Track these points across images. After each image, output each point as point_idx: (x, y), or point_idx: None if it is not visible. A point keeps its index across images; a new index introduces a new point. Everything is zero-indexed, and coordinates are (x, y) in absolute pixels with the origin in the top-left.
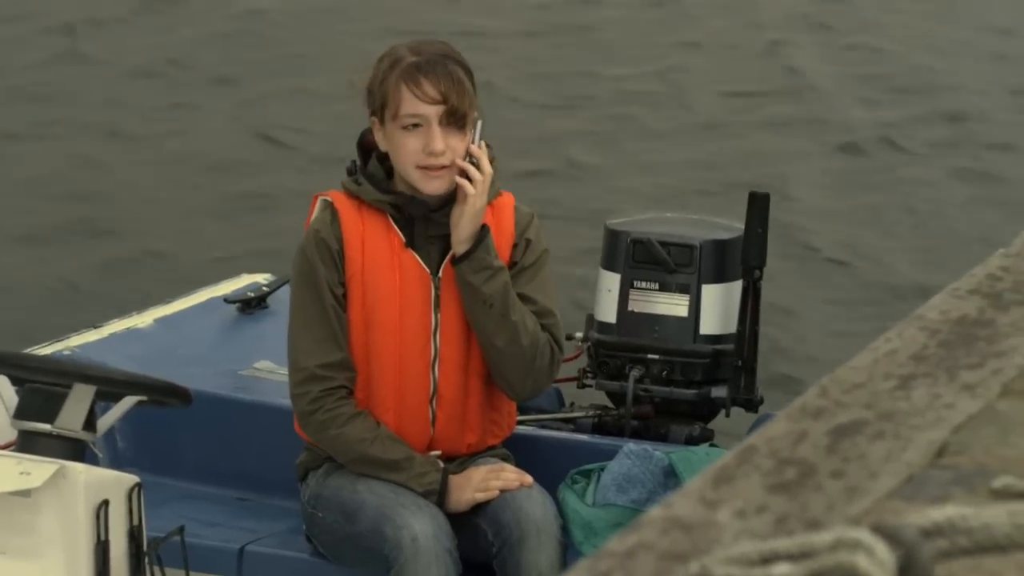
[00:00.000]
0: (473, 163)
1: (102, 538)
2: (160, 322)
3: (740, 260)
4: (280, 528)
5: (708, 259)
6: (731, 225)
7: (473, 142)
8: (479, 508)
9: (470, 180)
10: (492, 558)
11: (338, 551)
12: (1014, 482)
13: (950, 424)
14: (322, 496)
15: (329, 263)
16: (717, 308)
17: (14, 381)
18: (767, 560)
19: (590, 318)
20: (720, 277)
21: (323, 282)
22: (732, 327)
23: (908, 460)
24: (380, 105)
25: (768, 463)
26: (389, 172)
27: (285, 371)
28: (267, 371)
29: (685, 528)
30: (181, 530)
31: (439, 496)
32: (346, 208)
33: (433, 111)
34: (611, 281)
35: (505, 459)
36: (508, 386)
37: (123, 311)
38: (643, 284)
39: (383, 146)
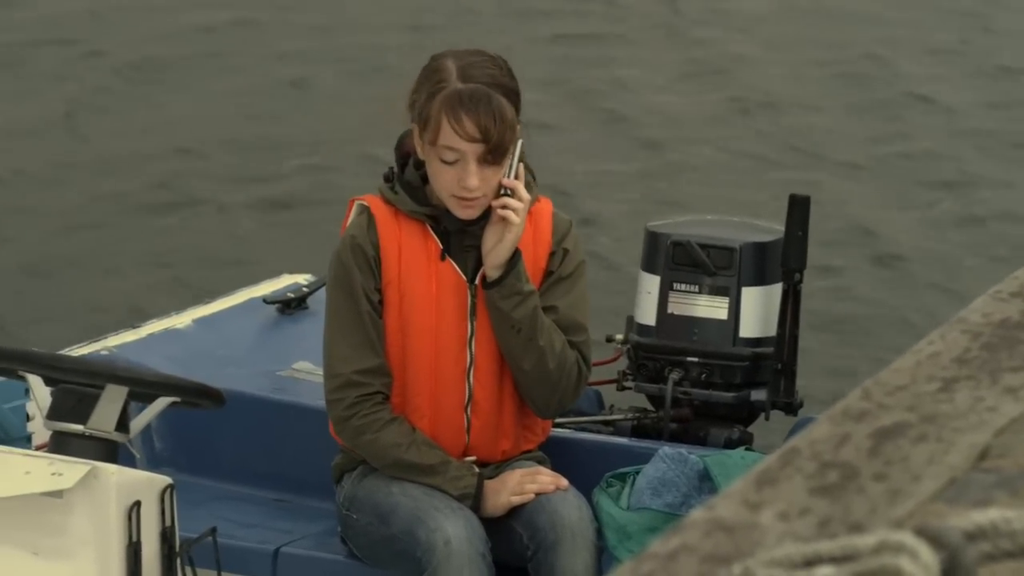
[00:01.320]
0: (507, 194)
1: (134, 539)
2: (199, 322)
3: (780, 263)
4: (316, 530)
5: (748, 262)
6: (771, 227)
7: (512, 165)
8: (514, 511)
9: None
10: (527, 561)
11: (373, 553)
12: None
13: (993, 427)
14: (357, 498)
15: (365, 268)
16: (757, 311)
17: (47, 382)
18: (810, 563)
19: (630, 320)
20: (760, 280)
21: (359, 287)
22: (772, 330)
23: (951, 463)
24: (421, 122)
25: (811, 465)
26: (425, 178)
27: (323, 373)
28: (306, 372)
29: (728, 530)
30: (213, 531)
31: (474, 500)
32: (383, 214)
33: (471, 148)
34: (651, 283)
35: (541, 462)
36: (533, 405)
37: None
38: (683, 286)
39: (421, 156)
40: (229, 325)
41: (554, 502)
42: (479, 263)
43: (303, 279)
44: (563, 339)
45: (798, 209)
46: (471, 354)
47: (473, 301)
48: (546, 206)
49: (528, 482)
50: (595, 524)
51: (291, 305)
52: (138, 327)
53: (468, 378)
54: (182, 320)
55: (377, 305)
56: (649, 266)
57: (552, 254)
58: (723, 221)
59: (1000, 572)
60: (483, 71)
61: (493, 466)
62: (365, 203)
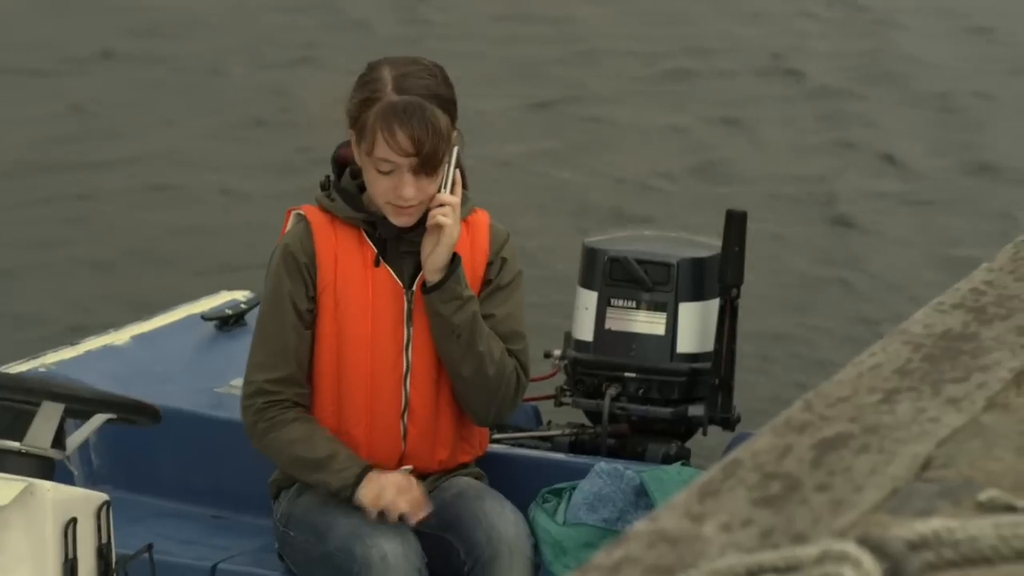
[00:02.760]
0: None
1: (70, 556)
2: (137, 339)
3: (718, 278)
4: (253, 546)
5: (685, 277)
6: (708, 243)
7: (448, 172)
8: (450, 526)
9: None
10: None
11: (309, 570)
12: (999, 495)
13: (935, 438)
14: (293, 515)
15: (296, 277)
16: (694, 326)
17: None
18: (753, 573)
19: (567, 336)
20: (697, 295)
21: (286, 297)
22: (709, 346)
23: (893, 474)
24: (357, 130)
25: (753, 477)
26: (362, 187)
27: None
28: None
29: (671, 542)
30: (150, 548)
31: (351, 491)
32: (319, 222)
33: (405, 161)
34: (588, 299)
35: (478, 478)
36: (472, 413)
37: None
38: (620, 302)
39: (359, 163)
40: (167, 342)
41: (491, 517)
42: (416, 269)
43: (241, 295)
44: (502, 346)
45: (735, 225)
46: (407, 361)
47: (410, 307)
48: (483, 217)
49: (400, 496)
50: (532, 539)
51: (229, 322)
52: (76, 344)
53: (405, 385)
54: (120, 337)
55: (305, 314)
56: (587, 282)
57: (490, 264)
58: (660, 237)
59: None
60: (418, 82)
61: (432, 478)
62: (302, 212)
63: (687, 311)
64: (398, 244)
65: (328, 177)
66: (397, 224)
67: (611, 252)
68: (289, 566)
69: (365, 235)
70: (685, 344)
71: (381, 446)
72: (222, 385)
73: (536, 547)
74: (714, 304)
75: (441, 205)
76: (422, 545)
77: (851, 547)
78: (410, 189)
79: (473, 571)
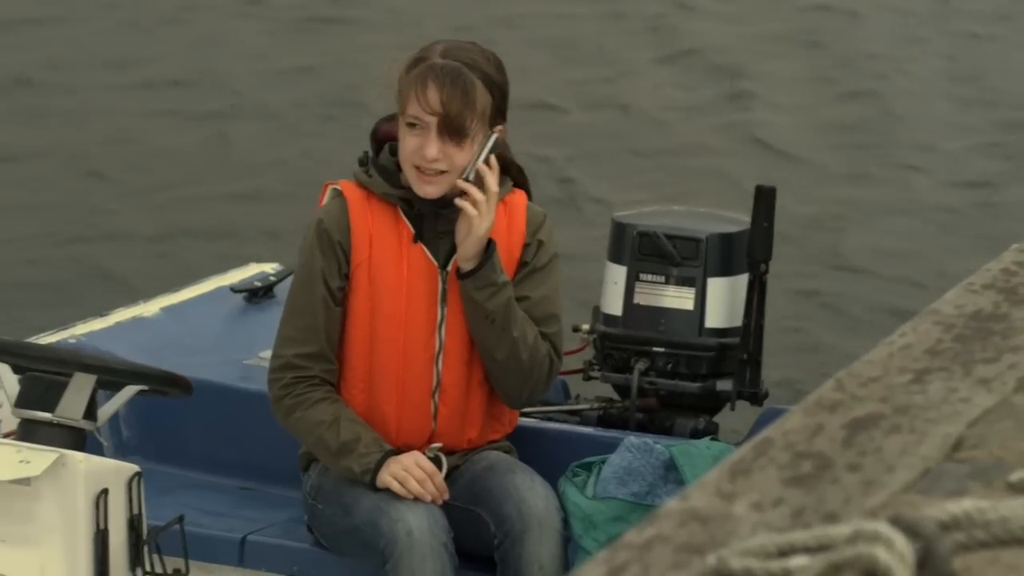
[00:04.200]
0: (469, 180)
1: (101, 527)
2: (166, 311)
3: (746, 254)
4: (282, 518)
5: (714, 252)
6: (737, 218)
7: (482, 156)
8: (480, 499)
9: (471, 200)
10: (494, 550)
11: (337, 543)
12: None
13: (966, 418)
14: (322, 488)
15: (329, 253)
16: (722, 301)
17: (15, 369)
18: (784, 553)
19: (596, 310)
20: (726, 271)
21: (318, 272)
22: (737, 321)
23: (924, 454)
24: (398, 94)
25: (785, 456)
26: (400, 164)
27: None
28: None
29: (702, 520)
30: (181, 519)
31: (372, 475)
32: (356, 198)
33: (432, 120)
34: (617, 274)
35: (507, 452)
36: (504, 394)
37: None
38: (649, 277)
39: (400, 133)
40: (196, 314)
41: (521, 491)
42: (452, 249)
43: (270, 268)
44: (536, 330)
45: (764, 200)
46: (440, 340)
47: (444, 287)
48: (520, 199)
49: (412, 479)
50: (561, 513)
51: (258, 294)
52: (106, 315)
53: (437, 364)
54: (150, 308)
55: (336, 291)
56: (615, 256)
57: (526, 246)
58: (689, 212)
59: (974, 562)
60: (467, 54)
61: (459, 454)
62: (338, 187)
63: (715, 286)
64: (435, 222)
65: (366, 153)
66: (421, 194)
67: (640, 227)
68: (318, 538)
69: (402, 213)
70: (713, 319)
71: (411, 424)
72: (251, 357)
73: (566, 521)
74: (742, 279)
75: (464, 193)
76: (451, 519)
77: (883, 527)
78: (433, 148)
79: (503, 545)
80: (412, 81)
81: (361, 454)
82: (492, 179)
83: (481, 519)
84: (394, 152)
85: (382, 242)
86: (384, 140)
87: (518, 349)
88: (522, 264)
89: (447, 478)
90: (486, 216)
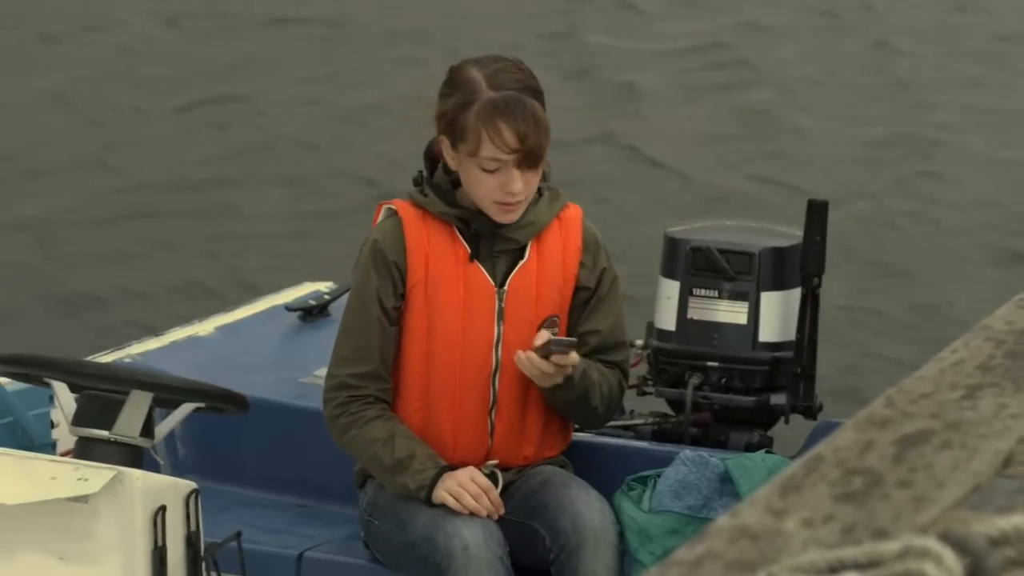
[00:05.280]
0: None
1: (159, 544)
2: (221, 330)
3: (799, 268)
4: (339, 535)
5: (767, 267)
6: (790, 232)
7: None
8: (536, 513)
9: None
10: (549, 564)
11: (394, 559)
12: None
13: (1017, 434)
14: (378, 504)
15: (384, 273)
16: (776, 315)
17: (73, 388)
18: (835, 569)
19: (650, 326)
20: (779, 285)
21: (373, 292)
22: (791, 335)
23: (975, 470)
24: (455, 134)
25: (835, 472)
26: (455, 182)
27: None
28: None
29: (752, 537)
30: (238, 536)
31: (427, 491)
32: (411, 218)
33: (511, 157)
34: (671, 289)
35: (563, 467)
36: (574, 422)
37: (186, 319)
38: (702, 292)
39: (453, 166)
40: (251, 332)
41: (577, 505)
42: (509, 267)
43: (324, 287)
44: (610, 380)
45: (816, 214)
46: (497, 358)
47: (501, 305)
48: (575, 213)
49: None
50: (617, 527)
51: (312, 312)
52: (161, 334)
53: (493, 382)
54: (204, 328)
55: (391, 311)
56: (669, 271)
57: (582, 265)
58: (742, 226)
59: None
60: (510, 76)
61: (515, 470)
62: (393, 207)
63: (769, 300)
64: (491, 241)
65: (420, 172)
66: (502, 221)
67: (693, 242)
68: (375, 554)
69: (458, 232)
70: (767, 333)
71: (468, 442)
72: (306, 375)
73: (621, 534)
74: (796, 293)
75: (552, 346)
76: (506, 532)
77: (932, 543)
78: (518, 184)
79: (559, 558)
80: (478, 124)
81: (416, 470)
82: (574, 355)
83: (537, 533)
84: (447, 171)
85: (439, 261)
86: (438, 159)
87: (597, 409)
88: (581, 289)
89: (502, 493)
90: (555, 378)
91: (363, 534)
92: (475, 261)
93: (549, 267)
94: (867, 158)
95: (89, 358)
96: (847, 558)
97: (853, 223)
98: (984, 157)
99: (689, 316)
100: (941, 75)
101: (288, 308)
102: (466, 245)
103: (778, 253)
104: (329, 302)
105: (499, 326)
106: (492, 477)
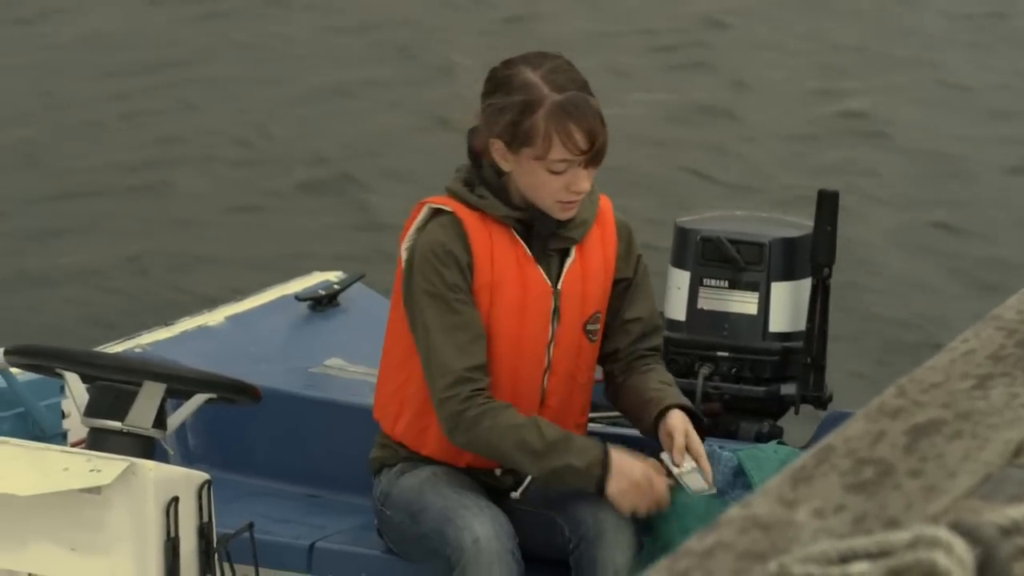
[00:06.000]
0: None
1: (172, 534)
2: (231, 320)
3: (809, 258)
4: (350, 525)
5: (777, 257)
6: (800, 223)
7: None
8: (554, 503)
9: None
10: (568, 554)
11: (406, 549)
12: None
13: None
14: (391, 495)
15: (456, 271)
16: (786, 306)
17: (85, 379)
18: (846, 559)
19: (660, 315)
20: (789, 275)
21: (460, 291)
22: (801, 325)
23: (986, 459)
24: (516, 142)
25: (846, 463)
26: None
27: (356, 368)
28: (338, 368)
29: (764, 527)
30: (251, 526)
31: (602, 470)
32: (471, 220)
33: (581, 158)
34: (681, 279)
35: None
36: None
37: (195, 309)
38: (713, 282)
39: (507, 168)
40: (261, 322)
41: (597, 497)
42: (559, 267)
43: (334, 276)
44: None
45: (827, 204)
46: (549, 357)
47: (556, 304)
48: (607, 204)
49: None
50: (634, 521)
51: (322, 302)
52: (171, 324)
53: (544, 380)
54: (214, 318)
55: (474, 305)
56: (679, 262)
57: (618, 256)
58: (752, 216)
59: None
60: (566, 76)
61: None
62: (448, 208)
63: (779, 291)
64: (548, 241)
65: (468, 170)
66: (564, 218)
67: (703, 232)
68: (389, 544)
69: (515, 233)
70: (777, 323)
71: None
72: (317, 365)
73: (638, 528)
74: (806, 284)
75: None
76: (524, 522)
77: (943, 532)
78: (586, 183)
79: (578, 548)
80: (549, 128)
81: (580, 448)
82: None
83: (555, 523)
84: (498, 171)
85: (502, 263)
86: (480, 155)
87: None
88: (619, 280)
89: (528, 487)
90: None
91: (377, 523)
92: (535, 262)
93: (592, 263)
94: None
95: (99, 348)
96: (858, 548)
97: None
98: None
99: (699, 306)
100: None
101: (298, 298)
102: (526, 247)
103: (788, 243)
104: (339, 291)
105: (554, 325)
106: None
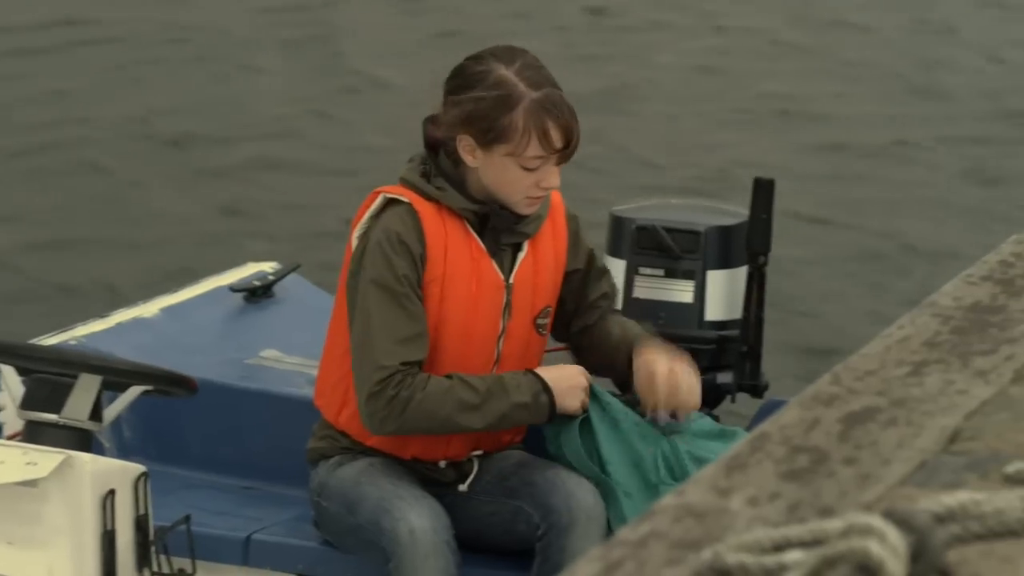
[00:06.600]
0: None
1: (109, 527)
2: (166, 311)
3: (745, 246)
4: (287, 516)
5: (713, 245)
6: (736, 211)
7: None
8: (520, 493)
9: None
10: (535, 541)
11: (343, 540)
12: None
13: (963, 410)
14: (328, 486)
15: (411, 266)
16: (722, 294)
17: (21, 371)
18: (779, 547)
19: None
20: (725, 263)
21: (404, 281)
22: (737, 313)
23: (921, 446)
24: (488, 138)
25: (781, 450)
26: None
27: (291, 360)
28: (273, 360)
29: (698, 516)
30: (187, 519)
31: (548, 394)
32: (427, 211)
33: (555, 155)
34: (616, 268)
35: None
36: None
37: (130, 301)
38: (648, 270)
39: (472, 163)
40: (196, 314)
41: (569, 485)
42: (511, 261)
43: (268, 267)
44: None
45: (762, 192)
46: (498, 352)
47: (508, 299)
48: (557, 197)
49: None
50: (606, 512)
51: (257, 293)
52: (106, 316)
53: (492, 372)
54: (149, 309)
55: (422, 301)
56: (614, 251)
57: (568, 249)
58: (688, 205)
59: (969, 554)
60: (539, 73)
61: (486, 454)
62: (403, 198)
63: (715, 279)
64: (499, 236)
65: (424, 161)
66: (525, 213)
67: (639, 221)
68: (325, 536)
69: (469, 226)
70: (713, 312)
71: None
72: (252, 356)
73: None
74: (742, 271)
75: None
76: (478, 513)
77: (876, 520)
78: (556, 179)
79: (547, 536)
80: (528, 125)
81: (516, 385)
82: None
83: (520, 511)
84: (456, 162)
85: (456, 256)
86: (436, 146)
87: None
88: (571, 272)
89: (476, 477)
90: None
91: (313, 515)
92: (488, 256)
93: (544, 257)
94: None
95: (34, 340)
96: (792, 536)
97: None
98: None
99: (635, 295)
100: None
101: (232, 289)
102: (479, 241)
103: (724, 231)
104: (274, 282)
105: (504, 319)
106: (469, 464)
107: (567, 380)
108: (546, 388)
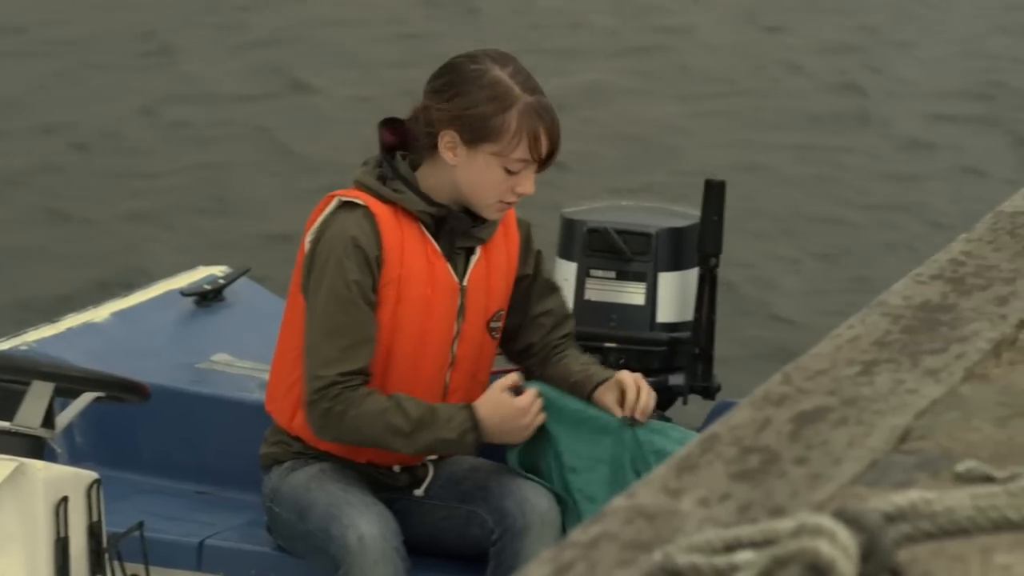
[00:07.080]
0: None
1: (62, 535)
2: (117, 316)
3: (696, 247)
4: (240, 522)
5: (664, 247)
6: (687, 212)
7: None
8: (474, 497)
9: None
10: (490, 545)
11: (294, 546)
12: (977, 466)
13: (913, 409)
14: (280, 491)
15: (365, 269)
16: (674, 296)
17: None
18: (730, 547)
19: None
20: (676, 265)
21: (356, 288)
22: (689, 315)
23: (871, 446)
24: (476, 136)
25: (731, 451)
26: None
27: (243, 364)
28: (224, 364)
29: (648, 517)
30: (140, 526)
31: (476, 434)
32: (383, 214)
33: (538, 162)
34: (567, 270)
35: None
36: None
37: (80, 305)
38: (600, 273)
39: (451, 160)
40: (147, 318)
41: (524, 490)
42: (464, 264)
43: (219, 271)
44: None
45: (713, 194)
46: (453, 354)
47: (462, 302)
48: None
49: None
50: (560, 517)
51: (208, 297)
52: (56, 321)
53: (446, 376)
54: (100, 314)
55: (373, 306)
56: (565, 253)
57: (520, 254)
58: (639, 207)
59: (920, 553)
60: (529, 79)
61: (448, 457)
62: (359, 201)
63: (666, 281)
64: (455, 239)
65: (381, 164)
66: (492, 218)
67: (590, 223)
68: (277, 541)
69: (425, 228)
70: (665, 314)
71: None
72: (203, 361)
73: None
74: (693, 273)
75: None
76: (431, 517)
77: (827, 520)
78: (532, 186)
79: (501, 540)
80: (521, 127)
81: (446, 419)
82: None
83: (474, 515)
84: (413, 165)
85: (412, 259)
86: (392, 148)
87: None
88: (521, 277)
89: (432, 483)
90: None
91: (266, 520)
92: (444, 258)
93: (496, 261)
94: None
95: None
96: (743, 536)
97: None
98: None
99: (586, 297)
100: None
101: (183, 293)
102: (435, 243)
103: (675, 233)
104: (224, 286)
105: (459, 322)
106: (423, 468)
107: (508, 421)
108: (475, 427)
